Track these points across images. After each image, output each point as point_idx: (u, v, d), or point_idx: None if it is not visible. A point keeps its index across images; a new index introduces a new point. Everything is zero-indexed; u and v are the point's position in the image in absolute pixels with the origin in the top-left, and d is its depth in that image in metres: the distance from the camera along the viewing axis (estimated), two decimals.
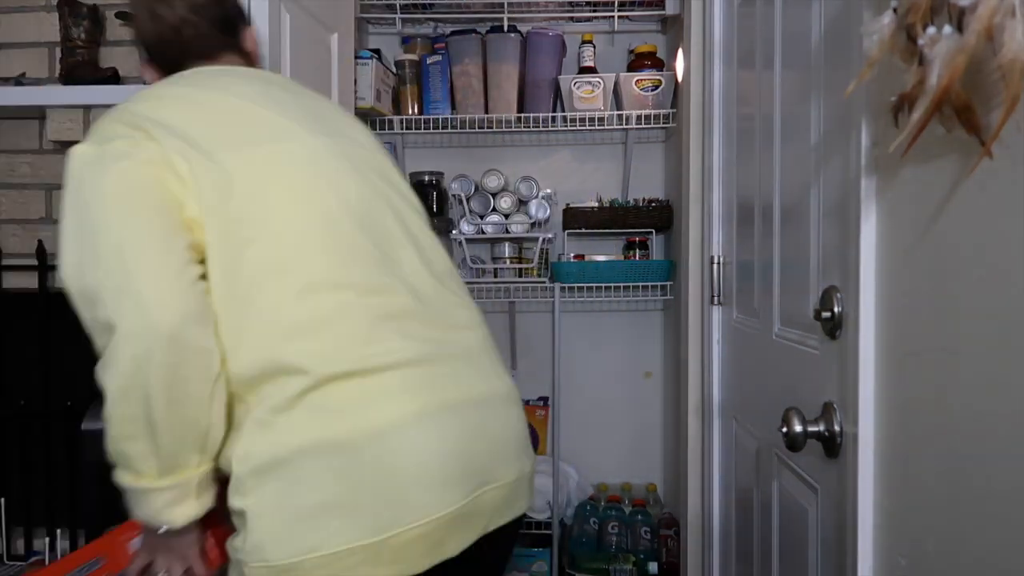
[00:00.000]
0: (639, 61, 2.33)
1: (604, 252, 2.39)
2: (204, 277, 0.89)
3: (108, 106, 1.68)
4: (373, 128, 2.29)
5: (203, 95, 0.98)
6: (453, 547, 0.90)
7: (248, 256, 0.88)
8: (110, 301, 0.85)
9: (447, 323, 0.99)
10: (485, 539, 0.95)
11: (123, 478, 0.89)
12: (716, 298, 1.65)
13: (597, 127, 2.31)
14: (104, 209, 0.87)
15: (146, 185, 0.88)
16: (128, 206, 0.87)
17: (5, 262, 1.86)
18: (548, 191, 2.31)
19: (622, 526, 2.22)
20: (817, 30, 1.04)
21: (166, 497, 0.88)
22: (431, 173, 2.40)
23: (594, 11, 2.41)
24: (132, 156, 0.89)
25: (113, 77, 1.73)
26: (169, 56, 1.08)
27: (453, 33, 2.34)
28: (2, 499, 1.81)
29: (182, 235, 0.88)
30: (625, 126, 2.31)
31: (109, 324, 0.85)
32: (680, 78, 2.06)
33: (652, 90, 2.26)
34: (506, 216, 2.32)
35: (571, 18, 2.46)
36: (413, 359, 0.91)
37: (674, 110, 2.23)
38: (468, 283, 2.31)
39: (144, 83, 1.72)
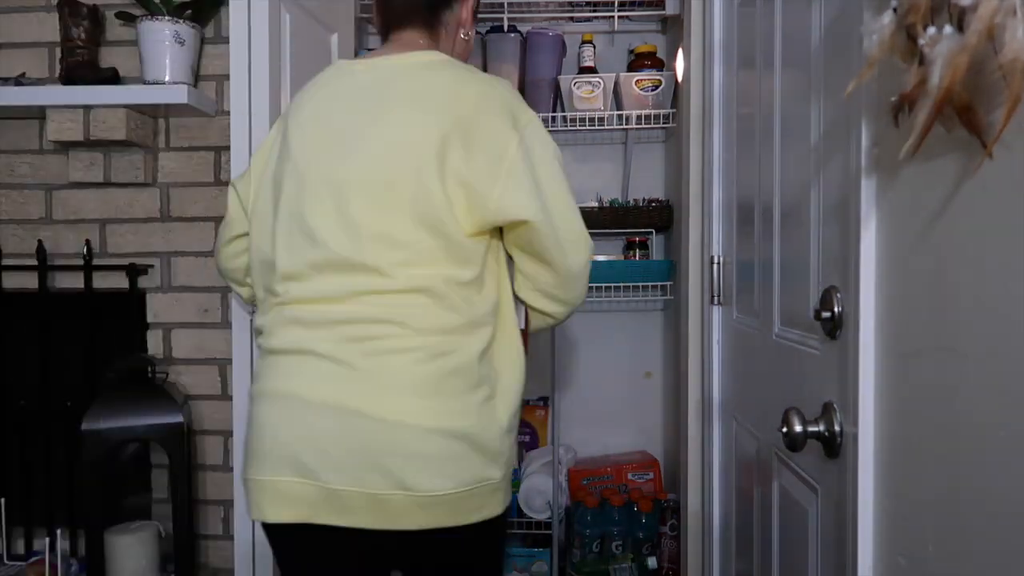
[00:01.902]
0: (639, 61, 2.33)
1: (604, 252, 2.39)
2: None
3: (108, 106, 1.69)
4: None
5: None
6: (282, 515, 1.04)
7: None
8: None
9: None
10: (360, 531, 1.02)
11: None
12: (716, 298, 1.65)
13: (597, 127, 2.31)
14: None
15: None
16: None
17: (5, 262, 1.86)
18: None
19: (622, 526, 2.22)
20: (817, 30, 1.04)
21: None
22: None
23: (594, 11, 2.41)
24: None
25: (113, 77, 1.73)
26: (381, 19, 1.17)
27: None
28: (2, 499, 1.81)
29: None
30: (625, 126, 2.31)
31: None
32: (680, 78, 2.06)
33: (652, 90, 2.26)
34: None
35: (571, 18, 2.46)
36: None
37: (674, 110, 2.23)
38: None
39: (144, 82, 1.73)
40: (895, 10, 0.60)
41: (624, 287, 2.27)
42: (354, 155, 1.04)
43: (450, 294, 1.03)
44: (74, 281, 1.86)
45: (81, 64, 1.74)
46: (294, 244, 1.06)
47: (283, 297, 1.07)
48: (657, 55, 2.35)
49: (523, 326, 1.17)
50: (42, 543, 1.74)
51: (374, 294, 1.03)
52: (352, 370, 1.01)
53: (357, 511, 1.01)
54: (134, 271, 1.83)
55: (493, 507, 1.08)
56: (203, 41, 1.81)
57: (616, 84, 2.29)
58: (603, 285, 2.25)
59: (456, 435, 1.02)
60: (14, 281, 1.87)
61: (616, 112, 2.30)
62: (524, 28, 2.36)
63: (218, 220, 1.84)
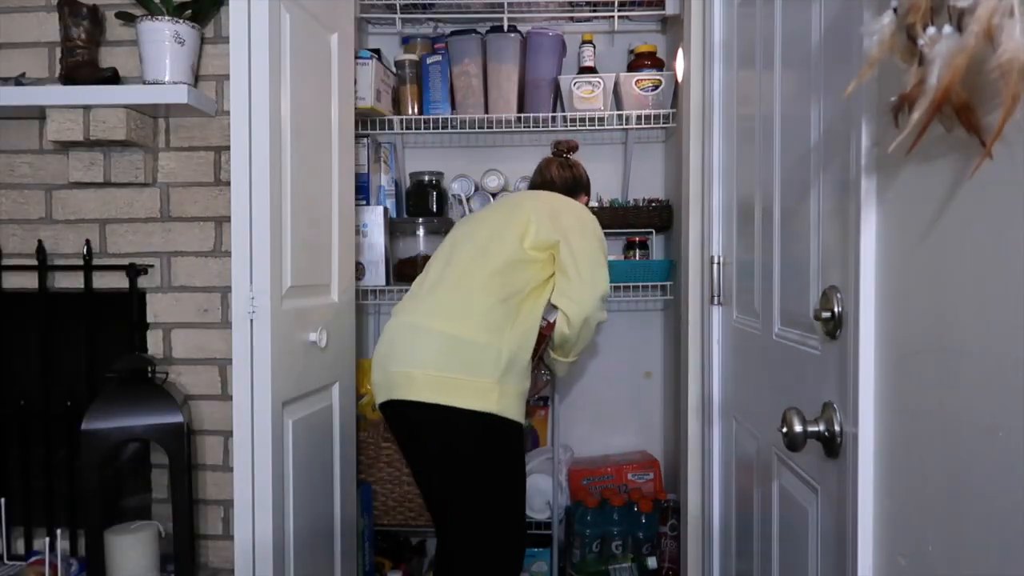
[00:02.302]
0: (639, 61, 2.33)
1: None
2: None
3: (108, 106, 1.69)
4: (373, 128, 2.30)
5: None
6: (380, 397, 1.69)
7: None
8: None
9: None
10: (401, 403, 1.62)
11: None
12: (716, 298, 1.65)
13: (597, 127, 2.31)
14: None
15: None
16: None
17: (5, 262, 1.86)
18: None
19: (622, 526, 2.22)
20: (817, 30, 1.04)
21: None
22: (431, 173, 2.40)
23: (594, 11, 2.41)
24: None
25: (113, 77, 1.73)
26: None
27: (453, 33, 2.34)
28: (2, 499, 1.81)
29: None
30: (625, 126, 2.31)
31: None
32: (680, 78, 2.06)
33: (652, 90, 2.26)
34: None
35: (571, 18, 2.46)
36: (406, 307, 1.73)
37: (674, 110, 2.23)
38: None
39: (144, 82, 1.73)
40: (895, 10, 0.60)
41: (624, 287, 2.27)
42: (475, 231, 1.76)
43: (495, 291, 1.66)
44: (74, 281, 1.86)
45: (81, 64, 1.74)
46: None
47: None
48: (657, 55, 2.35)
49: (551, 320, 1.71)
50: (42, 543, 1.74)
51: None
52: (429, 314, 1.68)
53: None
54: (134, 271, 1.83)
55: (486, 403, 1.56)
56: (203, 41, 1.81)
57: (616, 84, 2.29)
58: None
59: (466, 342, 1.59)
60: (14, 281, 1.87)
61: (616, 112, 2.30)
62: (524, 28, 2.36)
63: (218, 220, 1.84)
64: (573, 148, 1.99)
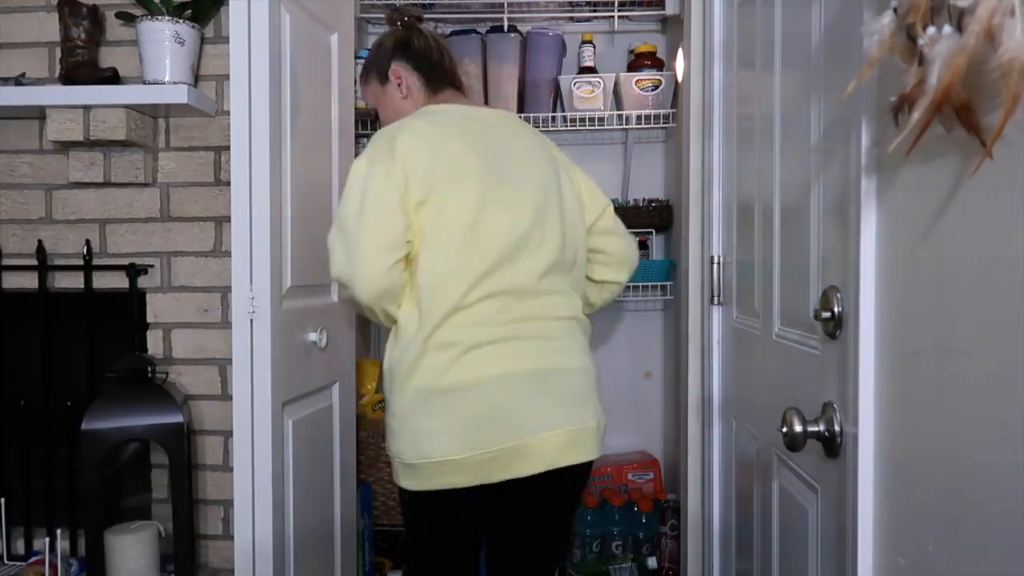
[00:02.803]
0: (639, 61, 2.33)
1: None
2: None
3: (108, 106, 1.69)
4: (373, 128, 2.29)
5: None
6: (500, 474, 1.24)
7: None
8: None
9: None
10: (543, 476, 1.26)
11: None
12: (716, 298, 1.65)
13: (597, 127, 2.31)
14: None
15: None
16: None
17: (5, 262, 1.86)
18: None
19: (622, 526, 2.22)
20: (817, 30, 1.04)
21: None
22: None
23: (594, 11, 2.41)
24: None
25: (113, 77, 1.73)
26: (427, 77, 1.46)
27: (453, 33, 2.34)
28: (2, 499, 1.81)
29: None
30: (625, 126, 2.31)
31: None
32: (680, 78, 2.06)
33: (652, 90, 2.26)
34: None
35: (571, 18, 2.46)
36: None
37: (674, 110, 2.23)
38: None
39: (144, 82, 1.73)
40: (895, 10, 0.60)
41: (624, 287, 2.27)
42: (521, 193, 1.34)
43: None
44: (74, 281, 1.86)
45: (81, 64, 1.74)
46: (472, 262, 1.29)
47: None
48: (657, 55, 2.35)
49: None
50: (42, 543, 1.74)
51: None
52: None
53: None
54: (134, 271, 1.83)
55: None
56: (203, 41, 1.81)
57: (616, 84, 2.29)
58: None
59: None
60: (14, 281, 1.87)
61: (616, 112, 2.30)
62: (524, 28, 2.35)
63: (218, 220, 1.84)
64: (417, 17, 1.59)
